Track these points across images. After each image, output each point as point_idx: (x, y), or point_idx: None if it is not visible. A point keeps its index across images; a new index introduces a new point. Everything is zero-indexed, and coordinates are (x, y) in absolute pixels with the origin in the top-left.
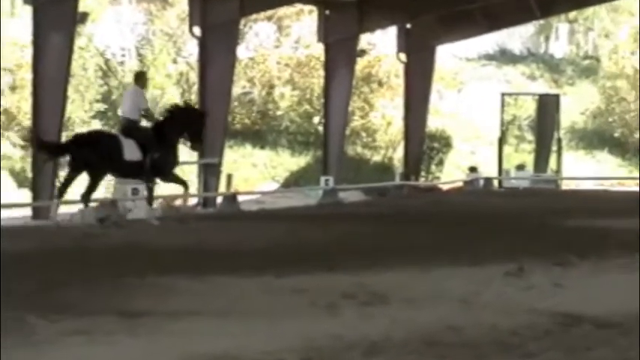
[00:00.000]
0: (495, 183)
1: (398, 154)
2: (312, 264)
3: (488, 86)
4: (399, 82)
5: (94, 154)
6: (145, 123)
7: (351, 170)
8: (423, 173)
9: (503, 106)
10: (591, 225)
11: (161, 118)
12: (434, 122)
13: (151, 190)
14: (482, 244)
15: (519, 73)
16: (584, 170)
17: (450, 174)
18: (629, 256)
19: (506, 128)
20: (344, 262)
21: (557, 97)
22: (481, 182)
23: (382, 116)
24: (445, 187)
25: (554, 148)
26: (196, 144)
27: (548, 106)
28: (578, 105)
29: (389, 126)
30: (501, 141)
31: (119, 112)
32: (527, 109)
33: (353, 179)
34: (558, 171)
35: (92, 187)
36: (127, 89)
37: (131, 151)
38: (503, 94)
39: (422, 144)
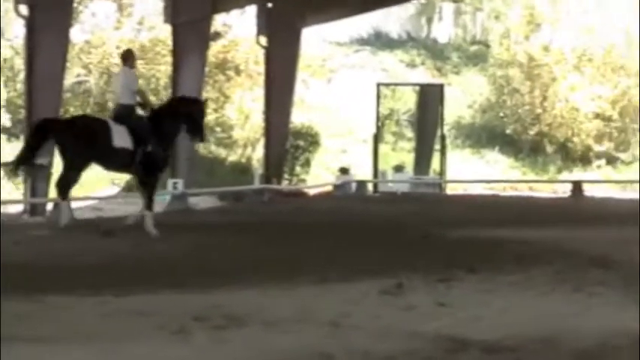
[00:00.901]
0: (370, 187)
1: (257, 154)
2: (157, 282)
3: (362, 75)
4: (259, 70)
5: (76, 138)
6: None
7: (204, 172)
8: (286, 175)
9: (379, 98)
10: (480, 235)
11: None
12: (299, 116)
13: (151, 187)
14: (355, 258)
15: (397, 60)
16: (471, 172)
17: (318, 176)
18: (523, 271)
19: (383, 124)
20: (195, 280)
21: (440, 87)
22: (353, 186)
23: (239, 109)
24: (312, 192)
25: (438, 146)
26: (197, 137)
27: (430, 99)
28: (464, 97)
29: (247, 120)
30: (377, 138)
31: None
32: (407, 101)
33: (206, 182)
34: (442, 173)
35: (72, 176)
36: (116, 72)
37: (121, 138)
38: (379, 85)
39: (285, 141)
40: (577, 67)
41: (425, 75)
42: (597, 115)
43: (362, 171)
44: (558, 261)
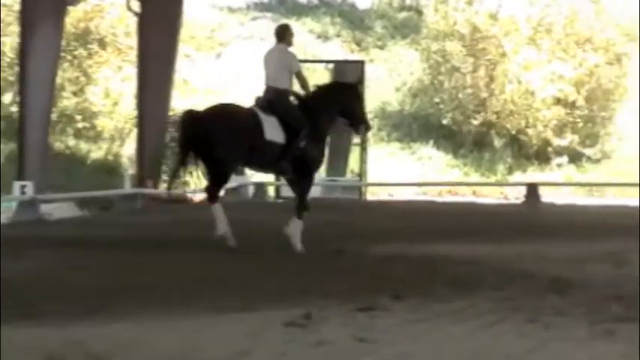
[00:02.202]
0: (271, 191)
1: (128, 149)
2: (2, 311)
3: (261, 49)
4: (130, 43)
5: (230, 131)
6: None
7: (60, 172)
8: (165, 177)
9: None
10: (410, 253)
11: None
12: (181, 101)
13: (302, 189)
14: (253, 280)
15: (306, 30)
16: (399, 172)
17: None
18: (463, 298)
19: None
20: (50, 310)
21: (360, 65)
22: (250, 190)
23: (105, 92)
24: (197, 198)
25: (357, 140)
26: (360, 127)
27: (347, 79)
28: (391, 77)
29: (115, 107)
30: None
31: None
32: (318, 82)
33: (62, 185)
34: (362, 174)
35: (223, 178)
36: (269, 50)
37: (273, 130)
38: None
39: (164, 134)
40: (532, 39)
41: (341, 50)
42: (558, 101)
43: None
44: (508, 285)
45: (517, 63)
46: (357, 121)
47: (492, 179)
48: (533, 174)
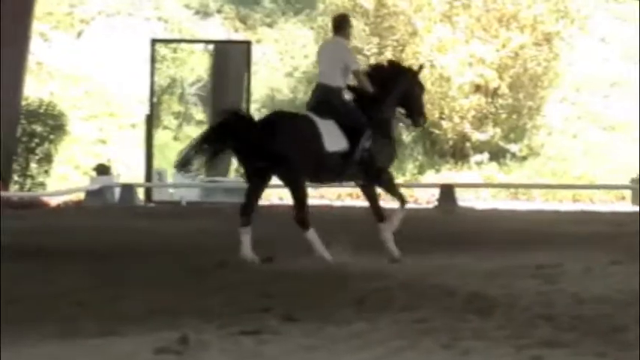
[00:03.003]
0: (141, 194)
1: None
2: None
3: (129, 27)
4: None
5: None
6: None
7: None
8: (16, 177)
9: (154, 61)
10: (304, 266)
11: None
12: (35, 89)
13: (374, 198)
14: (118, 299)
15: (182, 5)
16: None
17: (64, 177)
18: (368, 319)
19: (160, 100)
20: None
21: (246, 46)
22: (117, 192)
23: None
24: (54, 201)
25: None
26: (420, 119)
27: (231, 63)
28: (282, 61)
29: None
30: (151, 122)
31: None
32: (196, 66)
33: None
34: None
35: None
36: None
37: (333, 139)
38: (154, 41)
39: (14, 127)
40: (447, 16)
41: (223, 28)
42: (477, 88)
43: (129, 171)
44: (420, 303)
45: (430, 44)
46: (418, 113)
47: (401, 180)
48: (448, 174)
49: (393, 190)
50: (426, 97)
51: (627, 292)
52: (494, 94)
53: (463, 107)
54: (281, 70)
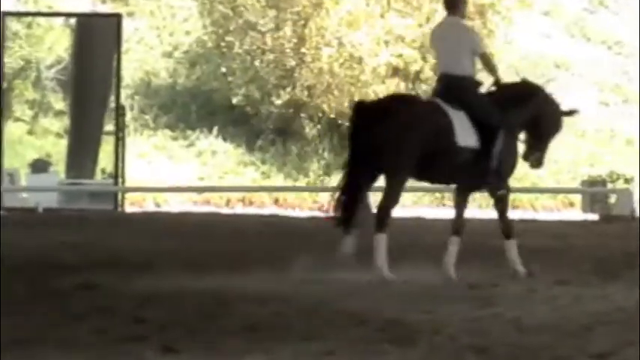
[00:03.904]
0: None
1: None
2: None
3: None
4: None
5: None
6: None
7: None
8: None
9: (3, 39)
10: (185, 287)
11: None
12: None
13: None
14: None
15: None
16: (171, 173)
17: None
18: (264, 349)
19: (11, 86)
20: None
21: (115, 20)
22: None
23: None
24: None
25: (110, 127)
26: (537, 155)
27: (96, 41)
28: (159, 38)
29: None
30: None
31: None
32: (54, 45)
33: None
34: (119, 175)
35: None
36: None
37: (465, 132)
38: (4, 15)
39: None
40: None
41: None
42: (395, 71)
43: None
44: (325, 332)
45: (338, 17)
46: (540, 146)
47: (302, 182)
48: None
49: (503, 209)
50: (337, 82)
51: (573, 318)
52: (416, 78)
53: (378, 94)
54: (158, 49)
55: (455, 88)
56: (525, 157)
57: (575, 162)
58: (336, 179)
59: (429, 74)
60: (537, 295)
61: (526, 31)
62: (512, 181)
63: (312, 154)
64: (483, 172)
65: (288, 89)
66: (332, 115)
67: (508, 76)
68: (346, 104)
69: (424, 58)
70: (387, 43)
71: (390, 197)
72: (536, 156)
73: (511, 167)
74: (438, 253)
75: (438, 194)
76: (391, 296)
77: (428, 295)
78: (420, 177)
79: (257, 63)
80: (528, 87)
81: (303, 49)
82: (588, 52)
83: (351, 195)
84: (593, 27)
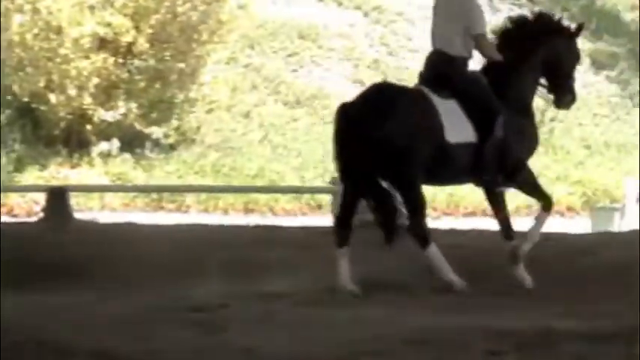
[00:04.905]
0: None
1: None
2: None
3: None
4: None
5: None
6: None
7: None
8: None
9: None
10: None
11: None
12: None
13: (502, 204)
14: None
15: None
16: None
17: None
18: None
19: None
20: None
21: None
22: None
23: None
24: None
25: None
26: (568, 97)
27: None
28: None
29: None
30: None
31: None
32: None
33: None
34: None
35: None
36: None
37: (456, 126)
38: None
39: None
40: None
41: None
42: (103, 44)
43: None
44: None
45: None
46: (566, 88)
47: None
48: (59, 171)
49: (534, 190)
50: (31, 57)
51: (318, 347)
52: (128, 52)
53: (81, 72)
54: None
55: (444, 68)
56: (560, 103)
57: (319, 157)
58: (28, 177)
59: (145, 46)
60: (277, 317)
61: None
62: (247, 180)
63: None
64: (474, 166)
65: None
66: (24, 99)
67: (241, 53)
68: (42, 84)
69: (137, 28)
70: (92, 9)
71: (416, 210)
72: (569, 98)
73: (525, 147)
74: (156, 266)
75: (155, 195)
76: (98, 321)
77: (143, 320)
78: (429, 182)
79: None
80: (537, 25)
81: None
82: (341, 19)
83: (346, 210)
84: None
